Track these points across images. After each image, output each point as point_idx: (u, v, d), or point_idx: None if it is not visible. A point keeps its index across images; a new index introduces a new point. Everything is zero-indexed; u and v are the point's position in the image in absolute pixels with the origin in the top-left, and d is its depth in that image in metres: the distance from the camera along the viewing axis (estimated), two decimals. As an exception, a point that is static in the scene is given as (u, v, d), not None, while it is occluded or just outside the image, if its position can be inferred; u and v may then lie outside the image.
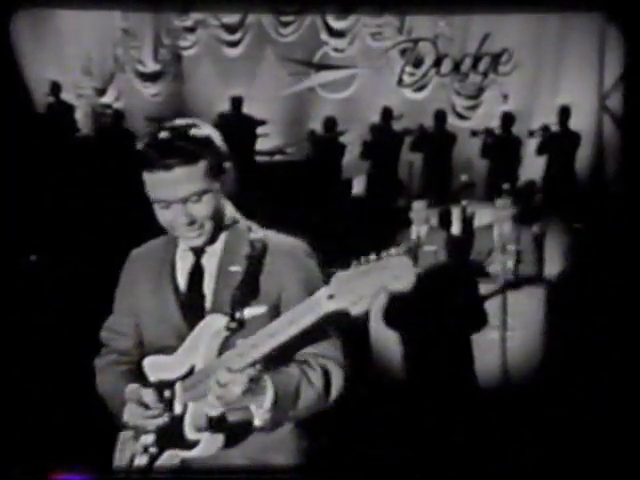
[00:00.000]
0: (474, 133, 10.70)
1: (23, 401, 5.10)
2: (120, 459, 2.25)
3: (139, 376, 2.22)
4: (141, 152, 2.09)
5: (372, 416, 5.39)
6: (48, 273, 7.32)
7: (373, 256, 1.87)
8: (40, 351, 5.81)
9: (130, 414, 2.17)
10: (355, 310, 1.88)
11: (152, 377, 2.20)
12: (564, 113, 10.37)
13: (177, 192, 2.07)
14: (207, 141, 2.12)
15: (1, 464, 3.98)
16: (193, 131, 2.11)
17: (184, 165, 2.05)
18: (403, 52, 11.84)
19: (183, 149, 2.06)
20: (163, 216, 2.12)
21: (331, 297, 1.90)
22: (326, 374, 2.14)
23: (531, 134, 10.54)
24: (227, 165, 2.16)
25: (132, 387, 2.19)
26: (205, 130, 2.14)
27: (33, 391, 5.26)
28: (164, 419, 2.13)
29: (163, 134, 2.10)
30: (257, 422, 2.03)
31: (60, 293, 6.69)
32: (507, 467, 4.72)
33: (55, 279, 7.10)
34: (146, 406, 2.13)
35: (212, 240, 2.19)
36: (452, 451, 4.99)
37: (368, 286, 1.85)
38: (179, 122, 2.14)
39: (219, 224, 2.18)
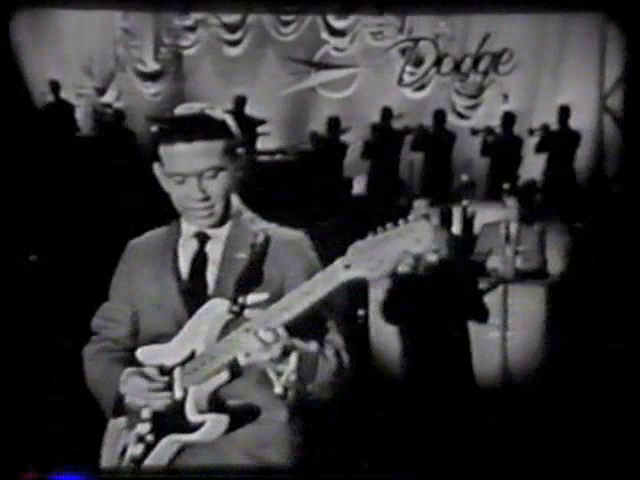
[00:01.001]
0: (474, 132, 10.70)
1: (20, 400, 5.11)
2: (110, 451, 2.22)
3: (133, 364, 2.19)
4: (159, 129, 2.13)
5: (370, 414, 5.39)
6: (48, 273, 7.32)
7: (390, 224, 1.90)
8: (38, 350, 5.82)
9: (132, 388, 2.13)
10: (373, 275, 1.90)
11: (150, 364, 2.17)
12: (564, 112, 10.38)
13: (195, 165, 2.09)
14: (223, 123, 2.15)
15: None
16: (209, 111, 2.15)
17: (204, 139, 2.08)
18: (403, 51, 11.86)
19: (203, 123, 2.11)
20: (177, 192, 2.14)
21: (347, 267, 1.93)
22: (338, 355, 2.15)
23: (531, 132, 10.55)
24: (240, 151, 2.19)
25: (129, 369, 2.16)
26: (220, 113, 2.18)
27: (29, 390, 5.27)
28: (166, 398, 2.10)
29: (180, 111, 2.15)
30: (277, 389, 2.01)
31: (59, 292, 6.69)
32: (507, 467, 4.72)
33: (55, 278, 7.10)
34: (149, 378, 2.10)
35: (220, 223, 2.19)
36: (451, 450, 4.99)
37: (389, 251, 1.88)
38: (194, 104, 2.19)
39: (227, 208, 2.19)
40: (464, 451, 5.00)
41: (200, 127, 2.10)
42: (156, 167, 2.18)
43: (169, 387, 2.11)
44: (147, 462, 2.13)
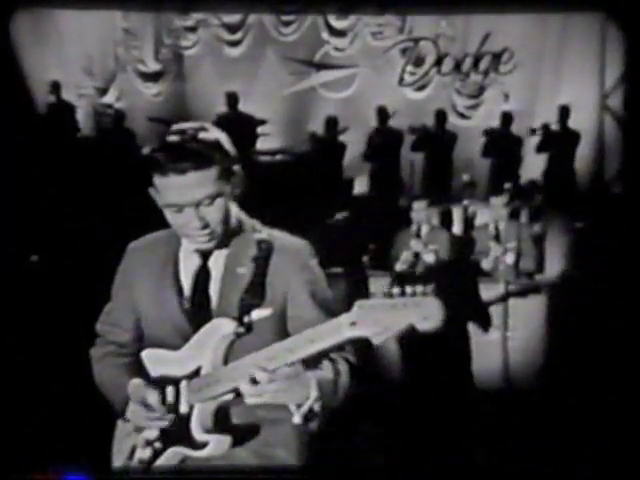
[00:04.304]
0: (533, 131, 10.59)
1: (22, 401, 5.11)
2: (119, 450, 2.26)
3: (140, 369, 2.22)
4: (151, 156, 2.07)
5: (371, 415, 5.39)
6: (49, 273, 7.32)
7: (396, 289, 1.89)
8: (40, 351, 5.82)
9: (133, 414, 2.18)
10: (377, 340, 1.90)
11: (153, 371, 2.20)
12: (564, 112, 10.39)
13: (190, 196, 2.06)
14: (217, 145, 2.10)
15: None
16: (203, 135, 2.09)
17: (197, 169, 2.04)
18: (404, 51, 11.84)
19: (195, 153, 2.05)
20: (175, 220, 2.12)
21: (353, 324, 1.92)
22: (351, 366, 2.16)
23: (533, 132, 10.53)
24: (236, 168, 2.15)
25: (135, 383, 2.19)
26: (214, 133, 2.13)
27: (32, 389, 5.28)
28: (168, 421, 2.13)
29: (173, 138, 2.08)
30: (297, 420, 2.03)
31: (61, 293, 6.70)
32: (508, 467, 4.72)
33: (56, 279, 7.10)
34: (149, 407, 2.12)
35: (222, 245, 2.18)
36: (453, 451, 4.99)
37: (394, 320, 1.87)
38: (187, 125, 2.13)
39: (227, 229, 2.17)
40: (465, 451, 5.00)
41: (193, 157, 2.04)
42: (152, 191, 2.14)
43: (171, 410, 2.14)
44: (154, 466, 2.17)
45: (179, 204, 2.07)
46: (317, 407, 2.02)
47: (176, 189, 2.05)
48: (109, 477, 2.30)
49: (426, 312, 1.85)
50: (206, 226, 2.10)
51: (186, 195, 2.05)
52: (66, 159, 9.56)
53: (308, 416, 2.03)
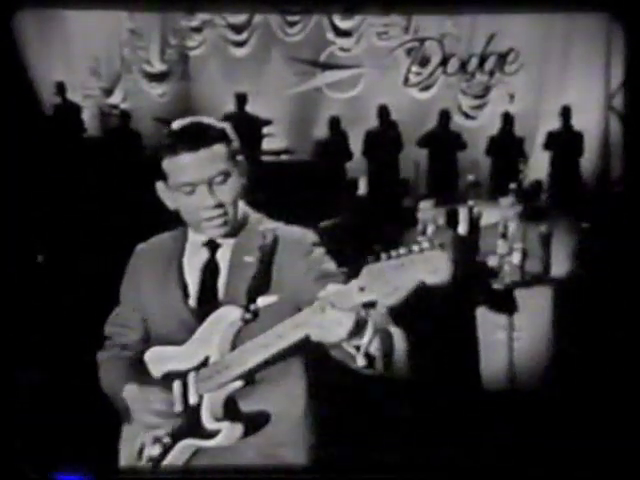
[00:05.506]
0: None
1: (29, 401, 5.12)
2: (127, 450, 2.25)
3: (143, 371, 2.22)
4: (160, 145, 2.13)
5: (376, 415, 5.39)
6: (55, 274, 7.34)
7: (403, 249, 1.86)
8: (45, 350, 5.84)
9: (139, 415, 2.16)
10: (389, 301, 1.87)
11: (159, 369, 2.19)
12: (569, 112, 10.39)
13: (203, 172, 2.08)
14: (222, 131, 2.16)
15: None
16: (207, 120, 2.16)
17: (207, 146, 2.08)
18: (409, 51, 11.87)
19: (204, 131, 2.11)
20: (187, 204, 2.13)
21: (362, 289, 1.89)
22: (405, 339, 2.17)
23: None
24: (239, 158, 2.18)
25: (129, 388, 2.19)
26: (219, 122, 2.19)
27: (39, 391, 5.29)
28: (179, 413, 2.12)
29: (179, 124, 2.15)
30: (360, 362, 1.97)
31: (67, 293, 6.71)
32: (512, 468, 4.72)
33: (62, 280, 7.12)
34: (154, 403, 2.12)
35: (234, 232, 2.19)
36: (457, 451, 4.99)
37: (404, 278, 1.84)
38: (190, 119, 2.19)
39: (238, 216, 2.19)
40: (470, 451, 5.00)
41: (202, 134, 2.10)
42: (159, 185, 2.18)
43: (182, 401, 2.13)
44: (164, 463, 2.16)
45: (192, 182, 2.09)
46: (375, 345, 1.99)
47: (188, 167, 2.08)
48: (116, 477, 2.29)
49: (434, 266, 1.82)
50: (220, 205, 2.11)
51: (198, 172, 2.08)
52: (72, 160, 9.58)
53: (372, 355, 1.99)
